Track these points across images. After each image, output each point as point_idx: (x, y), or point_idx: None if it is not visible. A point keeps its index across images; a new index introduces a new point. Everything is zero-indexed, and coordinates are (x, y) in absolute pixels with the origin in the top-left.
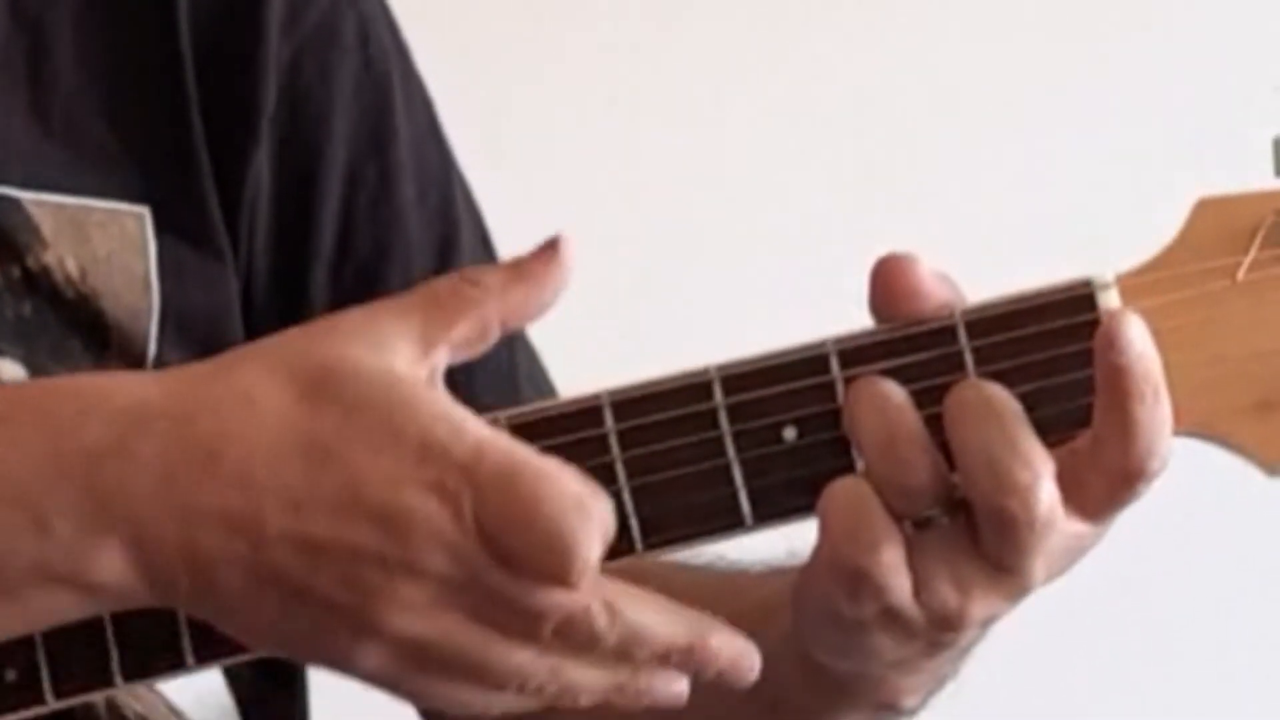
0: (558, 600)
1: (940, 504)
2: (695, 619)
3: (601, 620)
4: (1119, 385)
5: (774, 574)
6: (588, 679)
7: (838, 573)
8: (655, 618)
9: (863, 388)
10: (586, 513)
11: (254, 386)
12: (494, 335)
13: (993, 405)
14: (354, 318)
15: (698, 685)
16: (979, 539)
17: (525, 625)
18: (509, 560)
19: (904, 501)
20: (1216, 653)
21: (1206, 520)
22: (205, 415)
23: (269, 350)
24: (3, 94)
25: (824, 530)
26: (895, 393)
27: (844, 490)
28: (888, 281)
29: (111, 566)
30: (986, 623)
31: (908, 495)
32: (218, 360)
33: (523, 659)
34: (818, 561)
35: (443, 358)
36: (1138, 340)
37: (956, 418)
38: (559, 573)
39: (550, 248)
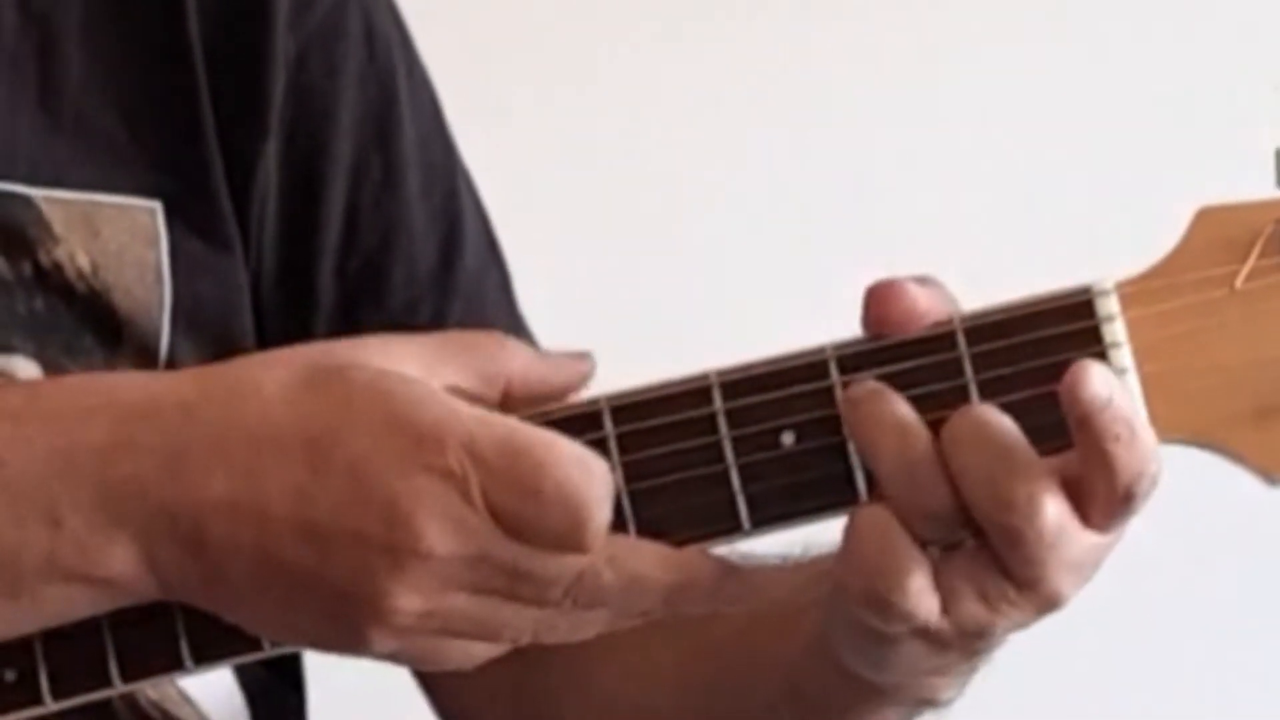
0: (569, 565)
1: (966, 526)
2: (684, 560)
3: (607, 575)
4: (1092, 432)
5: (793, 570)
6: (593, 619)
7: (866, 600)
8: (651, 564)
9: (872, 409)
10: (593, 475)
11: (263, 376)
12: (498, 390)
13: (986, 429)
14: (371, 337)
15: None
16: (1000, 556)
17: (537, 591)
18: (521, 532)
19: (929, 526)
20: (1217, 658)
21: (1207, 525)
22: (212, 404)
23: (282, 351)
24: (12, 90)
25: (850, 560)
26: (908, 416)
27: (868, 520)
28: (881, 309)
29: (123, 560)
30: (1020, 628)
31: (932, 519)
32: (232, 360)
33: (532, 616)
34: (844, 585)
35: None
36: (1101, 390)
37: (953, 446)
38: (574, 538)
39: (578, 353)
